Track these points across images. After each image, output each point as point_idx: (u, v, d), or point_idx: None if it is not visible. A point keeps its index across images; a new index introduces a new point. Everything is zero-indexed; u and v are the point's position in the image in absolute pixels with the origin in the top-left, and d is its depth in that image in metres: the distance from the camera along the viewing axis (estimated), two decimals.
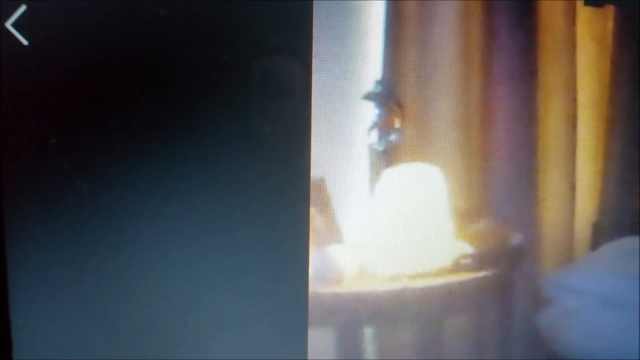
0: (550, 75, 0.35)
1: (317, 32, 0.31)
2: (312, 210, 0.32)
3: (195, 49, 0.30)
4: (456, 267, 0.35)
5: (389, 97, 0.34)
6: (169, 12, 0.29)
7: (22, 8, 0.28)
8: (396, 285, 0.34)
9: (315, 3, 0.30)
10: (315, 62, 0.30)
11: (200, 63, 0.30)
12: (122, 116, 0.29)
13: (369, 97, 0.34)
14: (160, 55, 0.29)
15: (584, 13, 0.35)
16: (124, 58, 0.29)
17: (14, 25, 0.28)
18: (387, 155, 0.34)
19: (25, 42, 0.28)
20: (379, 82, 0.34)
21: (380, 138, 0.34)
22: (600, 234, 0.36)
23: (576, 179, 0.36)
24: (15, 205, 0.29)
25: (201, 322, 0.31)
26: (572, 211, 0.36)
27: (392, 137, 0.34)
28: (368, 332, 0.35)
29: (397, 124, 0.34)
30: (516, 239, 0.35)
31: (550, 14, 0.35)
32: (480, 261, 0.35)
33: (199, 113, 0.30)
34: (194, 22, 0.29)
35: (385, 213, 0.34)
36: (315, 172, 0.32)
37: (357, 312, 0.34)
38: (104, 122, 0.29)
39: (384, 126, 0.34)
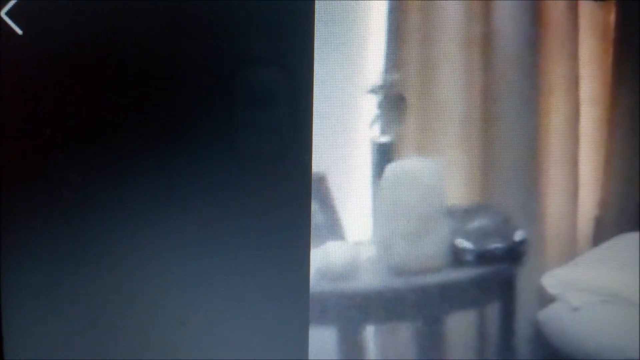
0: (553, 69, 0.35)
1: (319, 27, 0.30)
2: (314, 206, 0.31)
3: (200, 37, 0.29)
4: (458, 263, 0.35)
5: (392, 91, 0.34)
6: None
7: None
8: (398, 282, 0.34)
9: (317, 2, 0.30)
10: (317, 56, 0.30)
11: (200, 55, 0.29)
12: (117, 108, 0.29)
13: (371, 90, 0.33)
14: (157, 42, 0.29)
15: (586, 7, 0.35)
16: (119, 49, 0.29)
17: (8, 14, 0.27)
18: (390, 150, 0.34)
19: (19, 31, 0.28)
20: (381, 76, 0.33)
21: (382, 132, 0.34)
22: (603, 229, 0.36)
23: (579, 174, 0.36)
24: (7, 200, 0.29)
25: (200, 322, 0.31)
26: (574, 205, 0.36)
27: (395, 131, 0.34)
28: (370, 330, 0.35)
29: (399, 117, 0.34)
30: (519, 234, 0.35)
31: (553, 8, 0.35)
32: (482, 257, 0.35)
33: (196, 105, 0.30)
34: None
35: (387, 208, 0.34)
36: (316, 167, 0.31)
37: (358, 310, 0.34)
38: (100, 114, 0.29)
39: (386, 120, 0.34)
